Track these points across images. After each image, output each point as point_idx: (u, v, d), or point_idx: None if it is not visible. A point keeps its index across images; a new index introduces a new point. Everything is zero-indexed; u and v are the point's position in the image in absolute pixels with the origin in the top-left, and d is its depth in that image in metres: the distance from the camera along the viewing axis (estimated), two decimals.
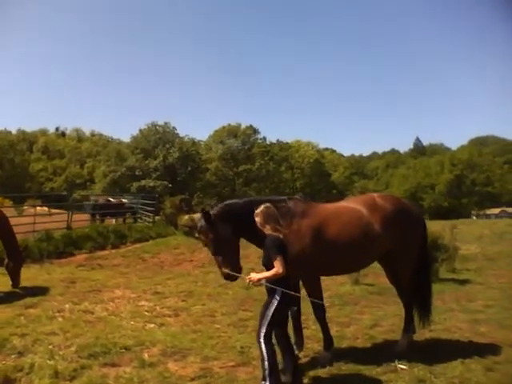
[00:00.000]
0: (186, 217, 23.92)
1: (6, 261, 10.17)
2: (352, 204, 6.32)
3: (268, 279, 4.70)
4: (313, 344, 6.38)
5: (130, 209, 25.08)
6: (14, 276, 10.06)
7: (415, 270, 6.35)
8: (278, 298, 4.65)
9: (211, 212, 5.56)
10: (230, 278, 5.50)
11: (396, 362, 5.57)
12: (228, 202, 5.89)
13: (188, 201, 46.82)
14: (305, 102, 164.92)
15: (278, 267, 4.57)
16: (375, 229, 5.93)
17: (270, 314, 4.64)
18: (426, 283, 6.56)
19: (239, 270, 5.62)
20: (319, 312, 5.85)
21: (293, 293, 4.76)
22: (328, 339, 5.84)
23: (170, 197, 28.45)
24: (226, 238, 5.44)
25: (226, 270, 5.36)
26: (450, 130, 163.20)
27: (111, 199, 25.14)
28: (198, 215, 5.97)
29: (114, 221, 23.44)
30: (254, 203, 5.43)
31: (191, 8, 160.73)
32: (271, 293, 4.73)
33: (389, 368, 5.44)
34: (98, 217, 22.63)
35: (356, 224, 5.93)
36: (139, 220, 24.41)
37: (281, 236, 4.79)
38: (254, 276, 4.74)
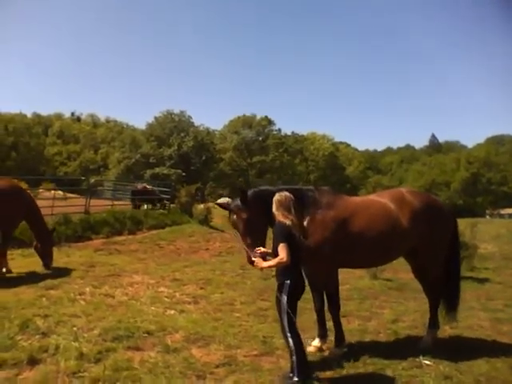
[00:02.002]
0: (202, 206, 23.99)
1: (35, 242, 10.29)
2: (380, 198, 6.26)
3: (273, 267, 4.68)
4: None
5: (158, 195, 25.35)
6: (44, 257, 10.21)
7: (445, 266, 6.29)
8: (286, 291, 4.60)
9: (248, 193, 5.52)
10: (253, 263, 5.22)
11: (421, 357, 5.53)
12: (263, 187, 5.83)
13: (201, 190, 46.94)
14: (321, 95, 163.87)
15: (282, 254, 4.49)
16: (403, 224, 5.87)
17: (285, 307, 4.59)
18: (455, 280, 6.49)
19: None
20: (334, 308, 5.82)
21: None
22: (339, 336, 5.79)
23: (186, 185, 28.45)
24: (257, 220, 5.36)
25: (253, 257, 5.07)
26: (466, 128, 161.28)
27: (147, 186, 25.53)
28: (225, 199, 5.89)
29: (145, 206, 23.90)
30: (281, 191, 5.31)
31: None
32: (280, 285, 4.69)
33: (414, 363, 5.40)
34: (136, 202, 23.28)
35: (384, 218, 5.87)
36: (155, 207, 24.44)
37: (288, 223, 4.67)
38: (260, 262, 4.70)
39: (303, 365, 4.59)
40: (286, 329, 4.60)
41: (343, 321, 7.10)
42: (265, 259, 4.87)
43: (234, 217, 5.45)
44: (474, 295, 9.57)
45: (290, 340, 4.58)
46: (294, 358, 4.55)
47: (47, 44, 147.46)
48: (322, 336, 5.93)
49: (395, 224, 5.85)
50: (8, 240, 10.10)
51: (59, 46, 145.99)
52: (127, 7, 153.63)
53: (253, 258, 4.83)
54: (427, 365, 5.38)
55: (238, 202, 5.46)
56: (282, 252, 4.49)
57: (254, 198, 5.50)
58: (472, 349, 6.01)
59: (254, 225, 5.36)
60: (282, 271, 4.63)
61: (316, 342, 5.85)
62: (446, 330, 6.77)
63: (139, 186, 25.38)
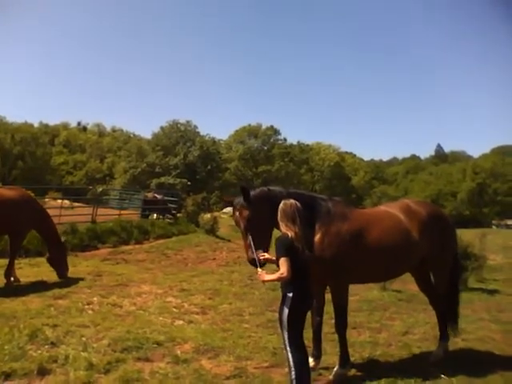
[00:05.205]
0: (208, 215, 23.92)
1: (47, 254, 10.33)
2: (389, 209, 6.21)
3: (274, 281, 4.54)
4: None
5: (166, 204, 24.95)
6: (56, 267, 10.24)
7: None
8: (288, 304, 4.40)
9: (251, 192, 5.35)
10: (254, 263, 4.95)
11: (434, 370, 5.45)
12: (272, 187, 5.62)
13: (207, 199, 46.91)
14: (326, 105, 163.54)
15: (282, 269, 4.29)
16: (413, 234, 5.82)
17: (286, 320, 4.38)
18: (454, 291, 6.45)
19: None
20: (341, 327, 5.51)
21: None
22: (344, 356, 5.45)
23: (192, 194, 28.39)
24: (260, 220, 5.17)
25: (253, 256, 4.90)
26: (472, 138, 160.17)
27: (157, 195, 25.24)
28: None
29: (154, 216, 23.63)
30: (291, 195, 5.18)
31: (216, 8, 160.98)
32: (283, 298, 4.50)
33: (426, 376, 5.32)
34: (146, 212, 23.12)
35: (397, 229, 5.79)
36: (164, 217, 24.23)
37: (290, 235, 4.44)
38: (263, 275, 4.46)
39: (302, 381, 4.35)
40: (286, 343, 4.40)
41: (353, 332, 7.09)
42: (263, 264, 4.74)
43: (237, 214, 5.31)
44: (484, 307, 9.50)
45: (290, 355, 4.36)
46: (293, 373, 4.30)
47: (53, 53, 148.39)
48: (317, 357, 5.65)
49: (407, 235, 5.79)
50: (17, 249, 10.11)
51: (65, 56, 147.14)
52: (134, 16, 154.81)
53: (258, 269, 4.61)
54: (440, 378, 5.31)
55: (241, 199, 5.30)
56: (283, 267, 4.30)
57: (260, 198, 5.34)
58: (484, 362, 5.96)
59: (257, 224, 5.16)
60: (286, 284, 4.46)
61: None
62: (458, 343, 6.69)
63: (149, 195, 25.17)
